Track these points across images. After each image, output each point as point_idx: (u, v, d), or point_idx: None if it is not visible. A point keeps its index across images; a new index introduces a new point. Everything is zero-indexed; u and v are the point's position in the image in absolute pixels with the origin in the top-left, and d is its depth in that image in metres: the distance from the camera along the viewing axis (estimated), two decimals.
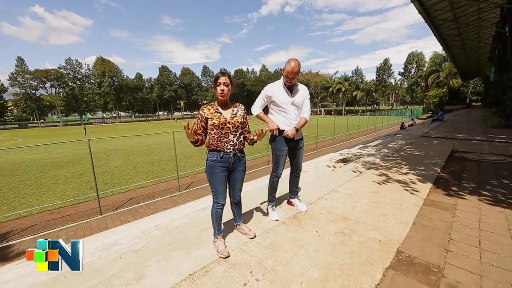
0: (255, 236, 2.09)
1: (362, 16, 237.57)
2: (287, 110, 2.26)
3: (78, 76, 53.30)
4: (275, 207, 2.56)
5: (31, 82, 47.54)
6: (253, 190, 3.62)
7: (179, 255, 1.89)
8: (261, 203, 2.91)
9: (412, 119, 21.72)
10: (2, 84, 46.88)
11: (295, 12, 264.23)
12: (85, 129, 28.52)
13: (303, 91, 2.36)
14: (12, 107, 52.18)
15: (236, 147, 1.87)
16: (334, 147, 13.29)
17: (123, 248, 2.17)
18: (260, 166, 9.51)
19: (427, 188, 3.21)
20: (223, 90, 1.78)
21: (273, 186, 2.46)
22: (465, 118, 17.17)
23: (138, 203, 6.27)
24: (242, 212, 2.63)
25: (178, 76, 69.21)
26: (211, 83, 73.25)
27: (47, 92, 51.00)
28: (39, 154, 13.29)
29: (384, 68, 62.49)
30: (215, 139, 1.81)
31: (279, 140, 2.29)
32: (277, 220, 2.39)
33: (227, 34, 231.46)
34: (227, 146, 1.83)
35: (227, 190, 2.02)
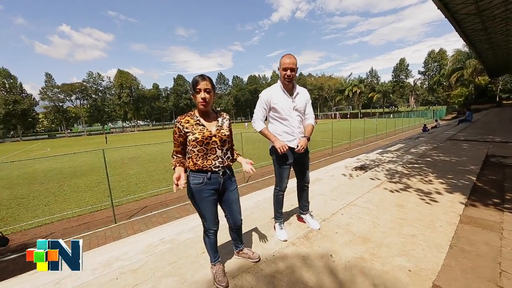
0: (259, 260, 1.84)
1: (376, 16, 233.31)
2: (289, 117, 2.00)
3: (100, 88, 57.35)
4: (283, 224, 2.30)
5: (58, 95, 52.13)
6: (263, 201, 3.39)
7: (172, 284, 1.69)
8: (272, 218, 2.67)
9: (436, 121, 20.42)
10: (34, 98, 51.25)
11: (306, 17, 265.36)
12: (106, 138, 30.19)
13: (303, 94, 2.10)
14: (43, 119, 56.82)
15: (225, 164, 1.60)
16: (351, 152, 12.68)
17: (124, 265, 2.12)
18: (272, 173, 9.24)
19: (463, 201, 2.77)
20: (204, 98, 1.47)
21: (278, 202, 2.21)
22: (496, 118, 15.72)
23: (151, 212, 6.29)
24: (249, 228, 2.40)
25: None
26: (225, 90, 74.38)
27: (72, 104, 55.73)
28: (64, 163, 14.11)
29: (400, 68, 59.79)
30: (199, 157, 1.52)
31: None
32: (285, 241, 2.12)
33: (239, 42, 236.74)
34: (215, 164, 1.55)
35: (225, 215, 1.78)
